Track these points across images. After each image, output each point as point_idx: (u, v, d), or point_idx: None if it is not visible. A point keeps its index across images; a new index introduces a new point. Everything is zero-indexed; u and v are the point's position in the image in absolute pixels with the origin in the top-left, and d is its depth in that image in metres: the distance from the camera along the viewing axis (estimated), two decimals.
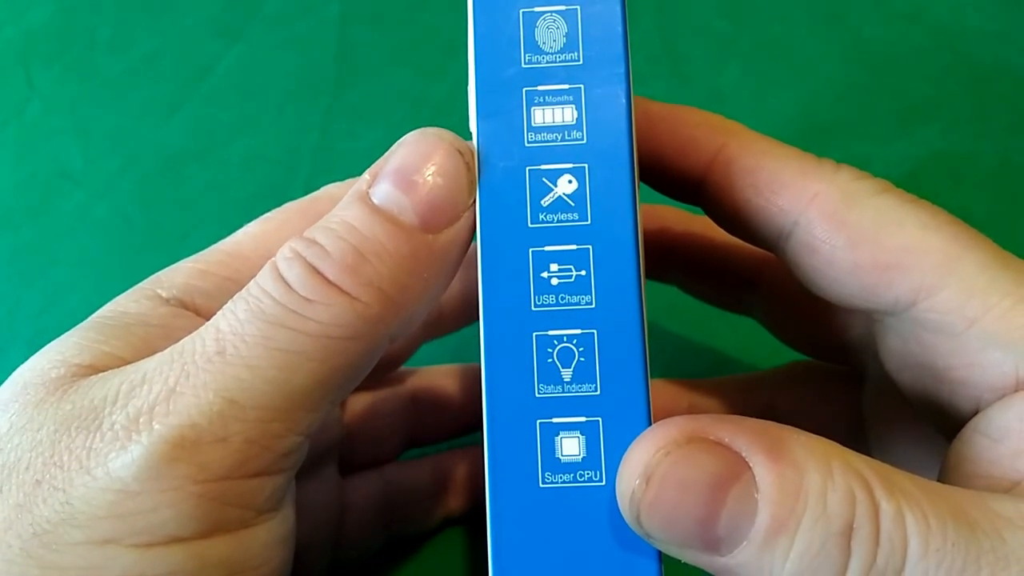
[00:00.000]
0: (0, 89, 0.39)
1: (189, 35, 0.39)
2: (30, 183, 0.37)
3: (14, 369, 0.33)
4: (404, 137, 0.19)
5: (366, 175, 0.19)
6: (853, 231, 0.20)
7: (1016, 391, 0.19)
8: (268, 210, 0.23)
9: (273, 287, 0.18)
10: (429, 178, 0.18)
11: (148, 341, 0.19)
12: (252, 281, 0.18)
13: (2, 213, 0.36)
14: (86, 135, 0.37)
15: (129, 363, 0.19)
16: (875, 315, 0.21)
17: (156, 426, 0.17)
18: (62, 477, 0.17)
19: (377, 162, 0.19)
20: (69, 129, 0.38)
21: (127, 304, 0.21)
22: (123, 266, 0.35)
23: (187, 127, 0.37)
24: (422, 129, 0.19)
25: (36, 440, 0.18)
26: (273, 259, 0.18)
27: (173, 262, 0.22)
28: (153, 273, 0.22)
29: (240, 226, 0.22)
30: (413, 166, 0.18)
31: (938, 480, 0.19)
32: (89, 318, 0.21)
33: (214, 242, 0.22)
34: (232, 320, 0.18)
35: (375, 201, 0.18)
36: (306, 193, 0.22)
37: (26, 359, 0.32)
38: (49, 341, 0.33)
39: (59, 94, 0.38)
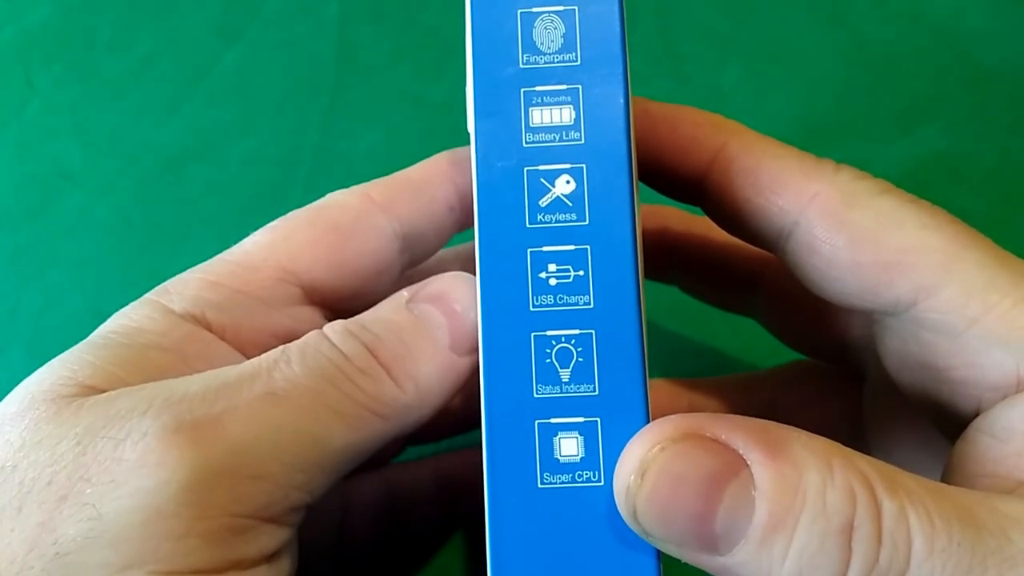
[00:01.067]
0: (0, 89, 0.39)
1: (189, 35, 0.39)
2: (30, 183, 0.37)
3: (14, 369, 0.33)
4: (444, 275, 0.21)
5: (404, 292, 0.21)
6: (854, 231, 0.20)
7: (1019, 390, 0.19)
8: (268, 210, 0.22)
9: (330, 350, 0.19)
10: (464, 310, 0.20)
11: (162, 368, 0.19)
12: (302, 340, 0.19)
13: (2, 213, 0.36)
14: (86, 135, 0.37)
15: None
16: (875, 315, 0.21)
17: (202, 447, 0.17)
18: (91, 492, 0.16)
19: (415, 285, 0.21)
20: (69, 129, 0.38)
21: (139, 319, 0.20)
22: (123, 266, 0.35)
23: (187, 127, 0.37)
24: (460, 273, 0.21)
25: (56, 454, 0.17)
26: (320, 330, 0.19)
27: (173, 262, 0.22)
28: (153, 274, 0.21)
29: (241, 226, 0.22)
30: (453, 297, 0.20)
31: (941, 480, 0.19)
32: (99, 331, 0.20)
33: (214, 242, 0.22)
34: (285, 369, 0.18)
35: (416, 313, 0.20)
36: (306, 193, 0.22)
37: (26, 359, 0.33)
38: (49, 341, 0.33)
39: (59, 94, 0.38)
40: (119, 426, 0.17)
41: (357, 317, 0.20)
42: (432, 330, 0.20)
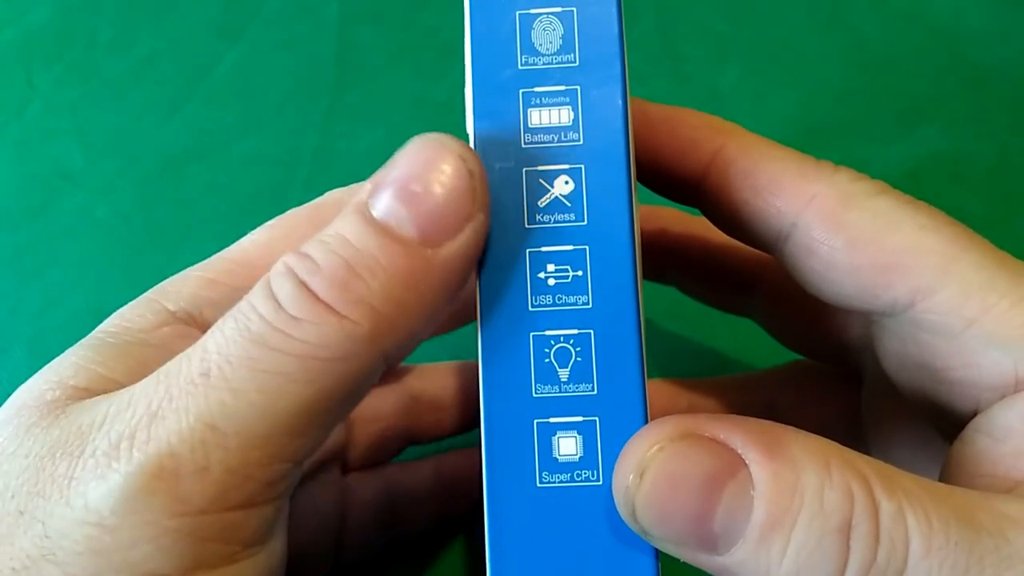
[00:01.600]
0: (0, 89, 0.39)
1: (189, 36, 0.39)
2: (30, 183, 0.37)
3: (15, 369, 0.33)
4: (407, 143, 0.18)
5: (368, 183, 0.18)
6: (851, 232, 0.20)
7: (1017, 390, 0.19)
8: (268, 210, 0.22)
9: (262, 304, 0.17)
10: (429, 188, 0.17)
11: (145, 363, 0.19)
12: (244, 297, 0.18)
13: (2, 213, 0.36)
14: (86, 135, 0.38)
15: (124, 386, 0.18)
16: (873, 316, 0.22)
17: (135, 454, 0.16)
18: (43, 508, 0.16)
19: (380, 170, 0.18)
20: (69, 129, 0.38)
21: (132, 318, 0.20)
22: (123, 266, 0.35)
23: (187, 128, 0.37)
24: (426, 135, 0.18)
25: (23, 467, 0.17)
26: (268, 273, 0.18)
27: (173, 262, 0.22)
28: (153, 274, 0.21)
29: (240, 226, 0.22)
30: (413, 175, 0.17)
31: (939, 480, 0.19)
32: (93, 331, 0.20)
33: (214, 242, 0.22)
34: (219, 339, 0.17)
35: (373, 213, 0.17)
36: (306, 193, 0.22)
37: (27, 359, 0.33)
38: (49, 341, 0.33)
39: (59, 95, 0.39)
40: (78, 443, 0.17)
41: (310, 240, 0.18)
42: (390, 229, 0.17)
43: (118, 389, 0.18)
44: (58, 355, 0.20)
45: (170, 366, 0.17)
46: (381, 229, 0.17)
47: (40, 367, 0.19)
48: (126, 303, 0.21)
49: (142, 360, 0.19)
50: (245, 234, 0.22)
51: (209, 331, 0.17)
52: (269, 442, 0.17)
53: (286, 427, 0.17)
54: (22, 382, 0.19)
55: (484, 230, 0.18)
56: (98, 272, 0.35)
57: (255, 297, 0.17)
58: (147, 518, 0.16)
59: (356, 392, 0.18)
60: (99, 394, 0.18)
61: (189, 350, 0.17)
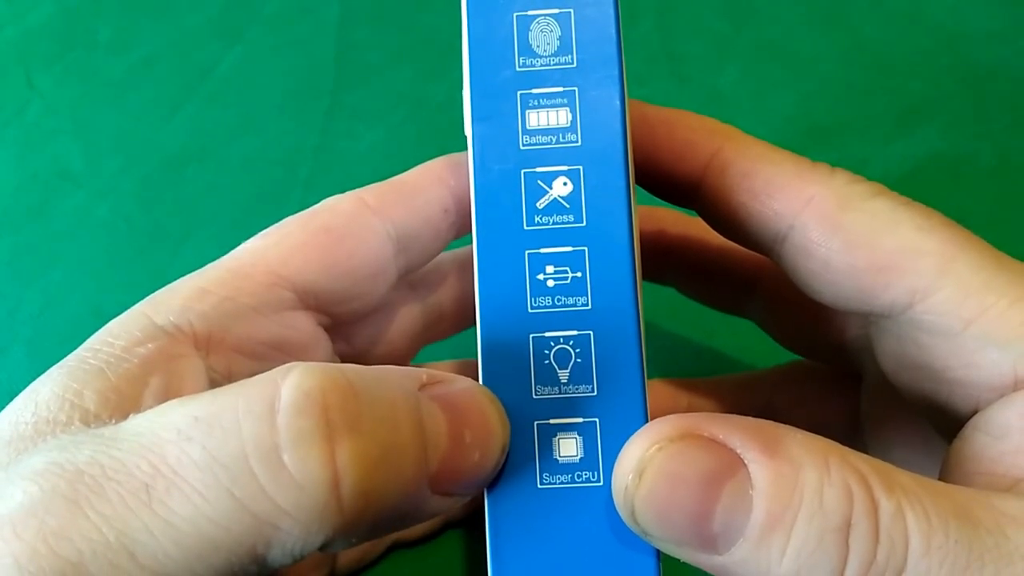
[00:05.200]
0: (0, 89, 0.39)
1: (189, 36, 0.39)
2: (30, 183, 0.37)
3: (14, 369, 0.33)
4: (474, 386, 0.18)
5: (423, 376, 0.17)
6: (849, 234, 0.20)
7: (1016, 389, 0.19)
8: (268, 210, 0.22)
9: (254, 427, 0.15)
10: (474, 447, 0.17)
11: (119, 391, 0.18)
12: (239, 393, 0.16)
13: (2, 213, 0.36)
14: (86, 136, 0.38)
15: (95, 416, 0.17)
16: (871, 317, 0.22)
17: (40, 547, 0.15)
18: None
19: (443, 373, 0.17)
20: (69, 130, 0.38)
21: (119, 333, 0.19)
22: (123, 266, 0.35)
23: (187, 128, 0.38)
24: (490, 394, 0.18)
25: None
26: (283, 383, 0.16)
27: (173, 262, 0.22)
28: (153, 274, 0.21)
29: (241, 227, 0.22)
30: (471, 423, 0.17)
31: (939, 479, 0.19)
32: (79, 349, 0.19)
33: (214, 242, 0.22)
34: (181, 454, 0.15)
35: (422, 406, 0.17)
36: (306, 193, 0.22)
37: (26, 359, 0.33)
38: (49, 341, 0.33)
39: (59, 95, 0.39)
40: (10, 496, 0.15)
41: (357, 370, 0.16)
42: (423, 448, 0.17)
43: (89, 420, 0.17)
44: (58, 356, 0.19)
45: (116, 442, 0.16)
46: (418, 429, 0.17)
47: (39, 367, 0.19)
48: (126, 303, 0.21)
49: (115, 388, 0.18)
50: (246, 234, 0.22)
51: (175, 428, 0.16)
52: None
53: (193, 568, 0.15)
54: (22, 382, 0.19)
55: (455, 508, 0.18)
56: (98, 272, 0.35)
57: (251, 407, 0.16)
58: None
59: (283, 563, 0.16)
60: (67, 426, 0.17)
61: (146, 436, 0.16)
